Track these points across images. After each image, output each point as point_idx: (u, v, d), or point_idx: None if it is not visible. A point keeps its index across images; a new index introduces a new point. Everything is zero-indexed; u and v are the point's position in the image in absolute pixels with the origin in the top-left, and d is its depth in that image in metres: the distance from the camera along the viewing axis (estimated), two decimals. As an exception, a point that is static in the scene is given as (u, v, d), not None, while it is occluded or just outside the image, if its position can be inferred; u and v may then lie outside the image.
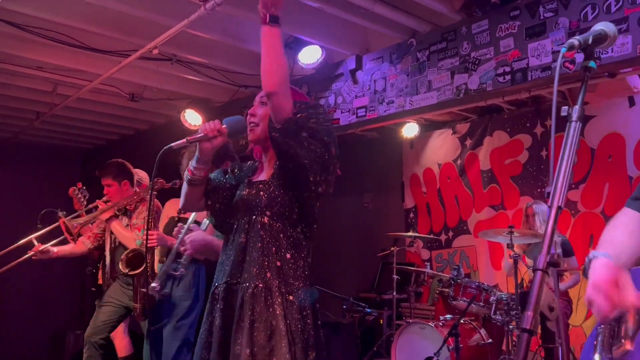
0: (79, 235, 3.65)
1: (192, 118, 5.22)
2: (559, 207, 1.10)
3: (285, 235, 1.92)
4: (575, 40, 1.23)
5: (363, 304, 5.20)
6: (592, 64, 1.25)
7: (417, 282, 5.37)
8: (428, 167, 6.19)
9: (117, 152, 5.96)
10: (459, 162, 5.89)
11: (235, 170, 2.17)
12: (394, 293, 5.02)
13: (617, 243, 1.41)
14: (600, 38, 1.25)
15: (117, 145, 7.27)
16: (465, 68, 3.81)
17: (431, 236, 5.80)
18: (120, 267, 3.47)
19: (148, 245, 3.27)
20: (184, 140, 1.92)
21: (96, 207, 3.81)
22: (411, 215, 6.33)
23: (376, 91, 4.41)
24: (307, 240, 1.98)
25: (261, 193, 1.96)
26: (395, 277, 5.04)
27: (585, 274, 1.34)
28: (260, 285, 1.84)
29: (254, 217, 1.94)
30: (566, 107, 1.23)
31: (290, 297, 1.84)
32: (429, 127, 6.12)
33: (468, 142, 5.82)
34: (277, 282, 1.85)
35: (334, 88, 4.74)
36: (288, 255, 1.89)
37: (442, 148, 6.08)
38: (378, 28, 4.11)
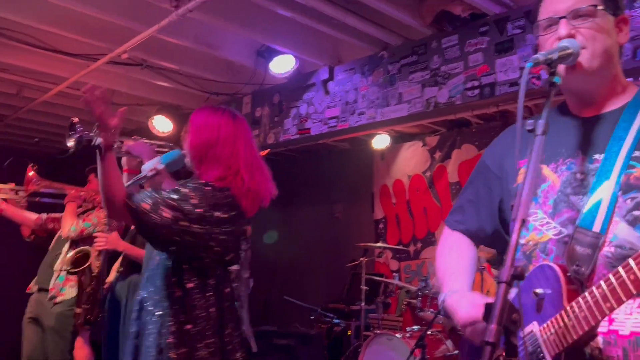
0: (30, 196, 3.66)
1: (161, 124, 5.15)
2: (523, 220, 1.11)
3: (190, 264, 1.89)
4: (540, 56, 1.24)
5: (331, 315, 5.18)
6: (556, 79, 1.26)
7: (386, 293, 5.39)
8: (398, 179, 6.23)
9: (85, 158, 5.82)
10: (428, 174, 5.95)
11: None
12: (363, 304, 5.01)
13: (460, 272, 1.47)
14: (565, 54, 1.27)
15: (84, 150, 7.10)
16: (435, 81, 3.86)
17: (400, 247, 5.83)
18: (65, 265, 3.44)
19: (95, 247, 3.25)
20: (132, 180, 2.08)
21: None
22: (381, 226, 6.36)
23: (348, 102, 4.43)
24: (221, 265, 1.94)
25: None
26: (363, 287, 5.04)
27: (443, 312, 1.39)
28: (158, 313, 1.87)
29: None
30: (532, 120, 1.24)
31: (189, 327, 1.83)
32: (399, 139, 6.17)
33: (437, 154, 5.89)
34: (172, 311, 1.85)
35: (305, 98, 4.75)
36: (191, 285, 1.87)
37: (411, 160, 6.13)
38: (350, 40, 4.14)
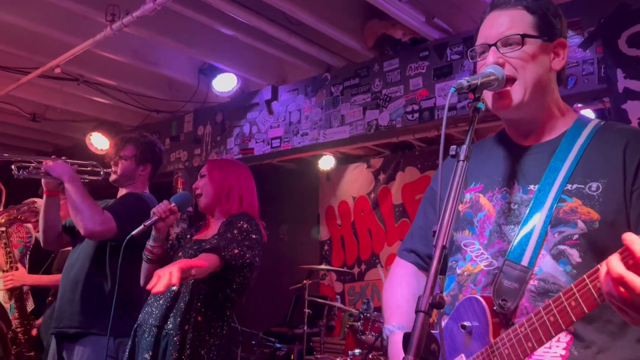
0: None
1: (99, 142, 4.96)
2: (444, 247, 1.08)
3: (213, 293, 2.07)
4: (464, 81, 1.23)
5: (273, 339, 5.07)
6: (480, 105, 1.25)
7: (329, 316, 5.32)
8: (343, 200, 6.23)
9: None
10: (372, 195, 5.98)
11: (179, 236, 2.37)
12: (305, 327, 4.93)
13: (404, 310, 1.40)
14: (488, 80, 1.26)
15: (16, 167, 6.76)
16: (377, 104, 3.88)
17: (344, 269, 5.79)
18: None
19: (4, 288, 3.01)
20: (142, 226, 2.03)
21: None
22: (326, 247, 6.32)
23: (291, 123, 4.40)
24: (232, 303, 2.13)
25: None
26: (307, 310, 4.96)
27: (385, 351, 1.35)
28: (179, 334, 1.99)
29: None
30: (455, 146, 1.23)
31: (202, 352, 2.00)
32: (344, 161, 6.19)
33: (381, 176, 5.93)
34: (191, 335, 1.99)
35: (249, 117, 4.69)
36: (210, 312, 2.05)
37: (357, 181, 6.15)
38: (294, 60, 4.12)
